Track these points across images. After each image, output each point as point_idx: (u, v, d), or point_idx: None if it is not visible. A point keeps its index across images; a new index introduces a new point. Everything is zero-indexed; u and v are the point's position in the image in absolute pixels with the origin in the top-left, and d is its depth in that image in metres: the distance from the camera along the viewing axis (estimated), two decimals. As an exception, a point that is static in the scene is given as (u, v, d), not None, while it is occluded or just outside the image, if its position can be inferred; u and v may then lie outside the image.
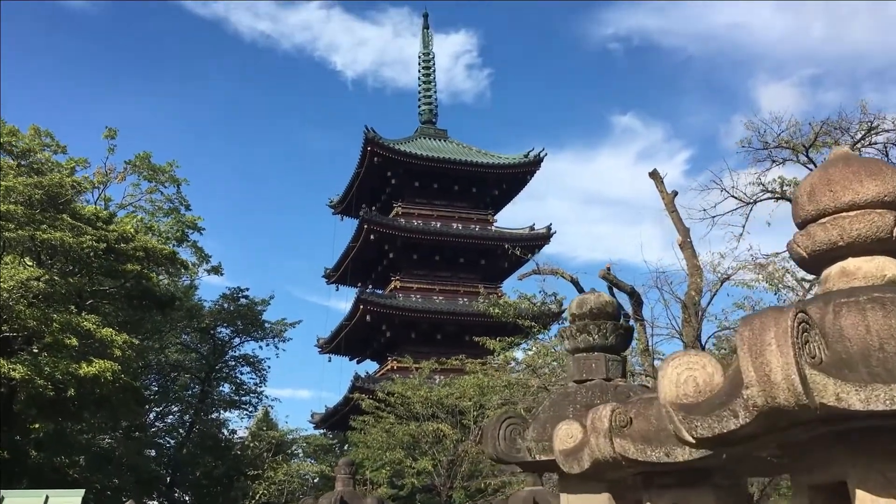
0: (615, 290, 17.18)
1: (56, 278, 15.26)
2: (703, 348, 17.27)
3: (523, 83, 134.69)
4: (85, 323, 15.30)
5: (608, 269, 17.53)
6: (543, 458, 4.53)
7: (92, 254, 16.01)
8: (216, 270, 34.77)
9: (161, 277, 25.45)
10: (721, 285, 17.06)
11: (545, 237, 43.51)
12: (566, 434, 3.79)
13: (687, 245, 17.68)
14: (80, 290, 17.33)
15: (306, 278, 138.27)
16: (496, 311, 21.38)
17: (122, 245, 16.98)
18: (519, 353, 24.58)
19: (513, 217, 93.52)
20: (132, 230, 18.80)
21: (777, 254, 19.16)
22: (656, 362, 19.40)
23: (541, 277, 20.65)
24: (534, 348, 20.41)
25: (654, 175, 18.43)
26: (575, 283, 20.76)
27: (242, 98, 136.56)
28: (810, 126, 20.92)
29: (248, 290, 36.57)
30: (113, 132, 27.31)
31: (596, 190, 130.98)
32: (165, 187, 30.94)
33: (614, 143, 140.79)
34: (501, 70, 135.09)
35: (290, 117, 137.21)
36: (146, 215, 30.82)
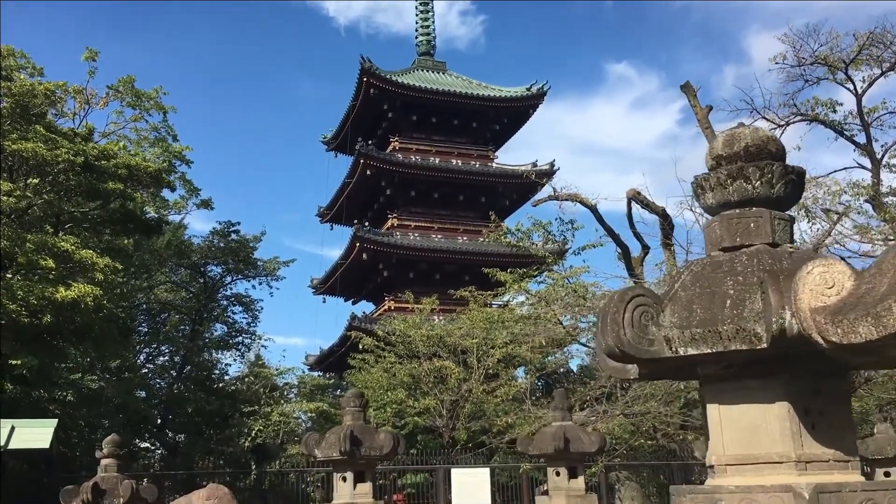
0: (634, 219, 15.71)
1: (29, 195, 13.70)
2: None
3: (518, 30, 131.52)
4: (62, 244, 13.78)
5: (636, 191, 16.09)
6: (692, 351, 3.10)
7: (69, 169, 14.43)
8: (206, 204, 33.05)
9: (147, 209, 23.86)
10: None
11: (548, 174, 41.83)
12: (821, 280, 2.35)
13: (722, 164, 16.21)
14: (58, 212, 15.78)
15: (297, 226, 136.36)
16: (506, 239, 19.92)
17: (103, 162, 15.36)
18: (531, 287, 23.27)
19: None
20: (115, 150, 17.15)
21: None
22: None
23: (554, 209, 19.22)
24: (550, 278, 19.02)
25: (686, 88, 16.86)
26: (594, 210, 19.30)
27: (232, 43, 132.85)
28: (854, 38, 19.32)
29: (239, 224, 34.90)
30: (94, 53, 25.31)
31: (589, 139, 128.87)
32: (151, 115, 29.03)
33: (608, 92, 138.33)
34: (496, 16, 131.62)
35: (282, 63, 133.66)
36: (130, 145, 28.99)
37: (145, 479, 14.86)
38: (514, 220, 24.33)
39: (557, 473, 11.61)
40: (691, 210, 15.70)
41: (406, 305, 35.41)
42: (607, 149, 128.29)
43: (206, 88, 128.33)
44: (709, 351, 3.05)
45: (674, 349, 3.13)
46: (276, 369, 28.07)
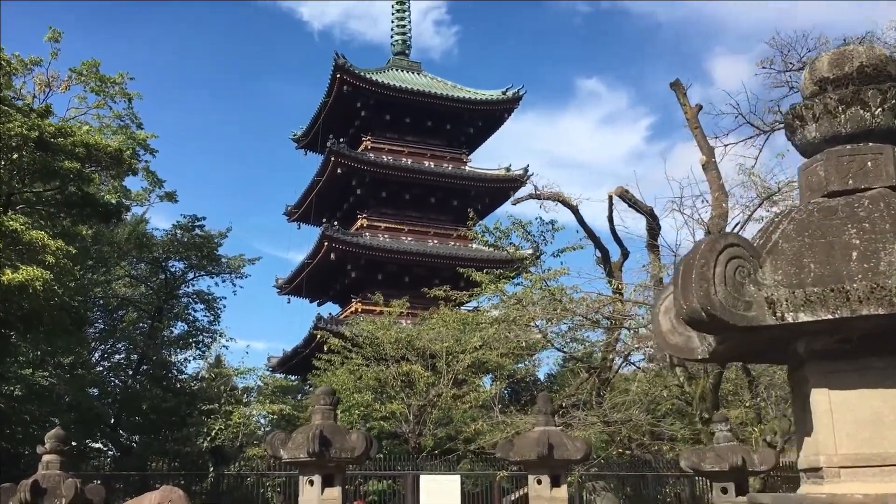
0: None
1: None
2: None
3: (491, 41, 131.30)
4: (11, 223, 12.72)
5: (624, 188, 15.46)
6: (805, 317, 2.36)
7: (22, 146, 13.36)
8: (170, 196, 31.88)
9: (108, 198, 22.73)
10: (758, 207, 15.08)
11: (521, 179, 41.31)
12: None
13: (711, 166, 15.65)
14: (9, 191, 14.65)
15: (264, 227, 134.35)
16: (484, 238, 19.19)
17: (60, 140, 14.30)
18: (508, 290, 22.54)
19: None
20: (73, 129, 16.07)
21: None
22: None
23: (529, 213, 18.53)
24: (528, 279, 18.34)
25: (675, 85, 16.30)
26: (575, 210, 18.69)
27: (204, 41, 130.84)
28: (845, 41, 18.94)
29: (204, 219, 33.71)
30: (57, 34, 24.14)
31: (559, 153, 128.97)
32: (115, 102, 27.87)
33: (578, 107, 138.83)
34: (470, 27, 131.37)
35: (252, 64, 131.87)
36: (92, 133, 27.78)
37: (96, 480, 13.82)
38: (475, 236, 23.68)
39: (539, 482, 10.88)
40: (679, 211, 15.14)
41: (374, 308, 34.53)
42: (576, 163, 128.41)
43: (176, 84, 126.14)
44: (828, 317, 2.32)
45: (779, 314, 2.40)
46: (237, 369, 27.00)
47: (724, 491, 11.70)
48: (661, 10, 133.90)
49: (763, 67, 20.27)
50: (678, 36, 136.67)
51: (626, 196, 15.26)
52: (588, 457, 11.41)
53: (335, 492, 9.40)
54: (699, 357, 3.00)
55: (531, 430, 11.39)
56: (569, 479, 16.79)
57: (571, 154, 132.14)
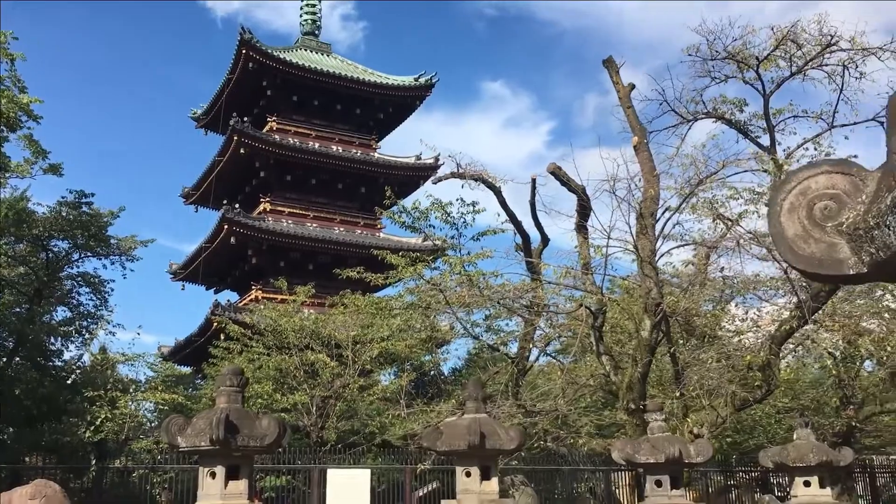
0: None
1: None
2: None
3: (398, 39, 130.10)
4: None
5: (556, 165, 14.67)
6: None
7: None
8: (54, 169, 29.23)
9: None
10: (694, 190, 14.53)
11: (433, 168, 40.40)
12: None
13: (643, 147, 15.06)
14: None
15: (159, 213, 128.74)
16: (401, 218, 18.08)
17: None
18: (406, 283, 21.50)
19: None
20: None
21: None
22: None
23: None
24: (446, 263, 17.36)
25: (608, 62, 15.64)
26: (498, 193, 17.82)
27: (105, 23, 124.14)
28: (772, 31, 18.75)
29: (93, 196, 31.22)
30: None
31: (463, 154, 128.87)
32: (-3, 63, 25.32)
33: (483, 109, 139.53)
34: (377, 24, 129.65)
35: (153, 48, 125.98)
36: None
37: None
38: (390, 219, 22.41)
39: (468, 474, 9.89)
40: (612, 193, 14.47)
41: (276, 295, 32.91)
42: (480, 164, 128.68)
43: (71, 66, 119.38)
44: None
45: None
46: (124, 355, 24.95)
47: (659, 484, 11.04)
48: (565, 19, 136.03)
49: (689, 55, 19.97)
50: (580, 45, 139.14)
51: (558, 173, 14.49)
52: (521, 447, 10.51)
53: (241, 485, 8.15)
54: (850, 272, 2.04)
55: (460, 418, 10.41)
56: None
57: (476, 155, 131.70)
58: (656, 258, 14.25)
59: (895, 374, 17.50)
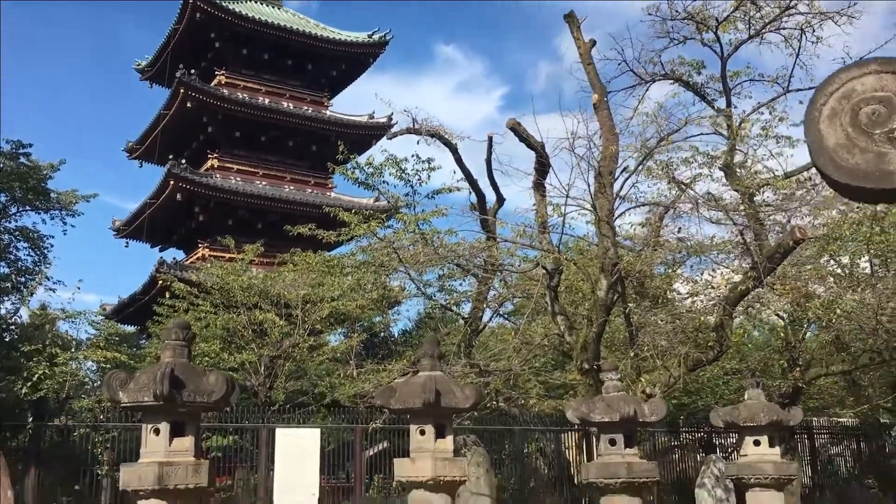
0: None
1: None
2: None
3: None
4: None
5: (516, 121, 14.38)
6: None
7: None
8: (-10, 118, 28.02)
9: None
10: (651, 151, 14.39)
11: (386, 127, 39.75)
12: None
13: (603, 105, 14.83)
14: None
15: (102, 170, 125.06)
16: (354, 174, 17.61)
17: None
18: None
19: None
20: None
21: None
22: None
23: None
24: (400, 221, 17.02)
25: (569, 17, 15.32)
26: (454, 150, 17.50)
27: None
28: (735, -8, 18.60)
29: (30, 146, 29.97)
30: None
31: (417, 116, 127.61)
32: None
33: (436, 72, 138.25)
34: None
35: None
36: None
37: None
38: (342, 175, 21.73)
39: (422, 432, 9.67)
40: (571, 151, 14.25)
41: (223, 254, 32.25)
42: (437, 121, 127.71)
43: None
44: None
45: None
46: (65, 311, 24.14)
47: (613, 443, 11.00)
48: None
49: (649, 14, 19.75)
50: (536, 10, 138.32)
51: (518, 129, 14.21)
52: (477, 405, 10.33)
53: (186, 442, 7.79)
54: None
55: (415, 376, 10.18)
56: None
57: (429, 118, 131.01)
58: (614, 218, 14.13)
59: (840, 338, 17.81)
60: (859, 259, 18.63)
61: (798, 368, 17.12)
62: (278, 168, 41.49)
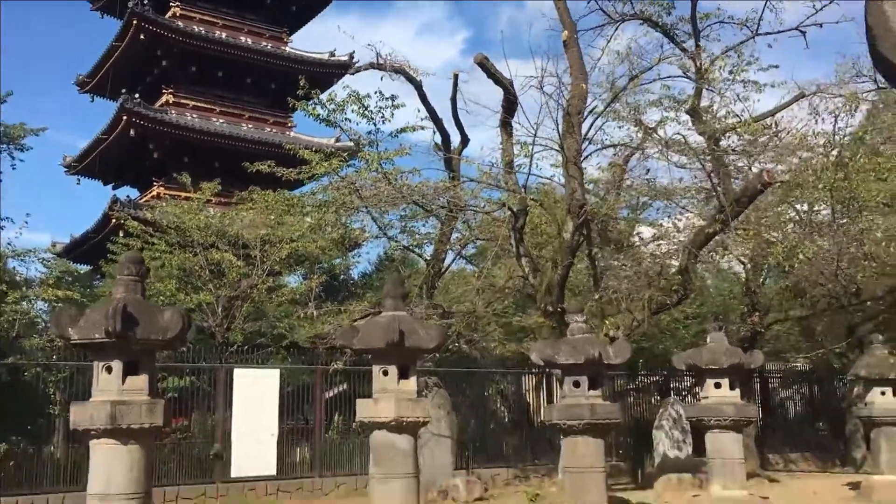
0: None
1: None
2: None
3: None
4: None
5: (484, 56, 13.96)
6: None
7: None
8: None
9: None
10: (619, 94, 14.11)
11: (346, 66, 38.75)
12: None
13: (572, 43, 14.47)
14: None
15: (52, 106, 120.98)
16: (315, 110, 17.04)
17: None
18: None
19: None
20: None
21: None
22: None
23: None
24: (363, 160, 16.57)
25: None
26: (419, 87, 17.04)
27: None
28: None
29: (-26, 77, 28.65)
30: None
31: (383, 44, 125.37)
32: None
33: (398, 14, 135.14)
34: None
35: None
36: None
37: None
38: (304, 111, 20.87)
39: (385, 373, 9.49)
40: (540, 89, 13.91)
41: (179, 192, 31.41)
42: (401, 57, 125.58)
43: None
44: None
45: None
46: (13, 249, 23.34)
47: (577, 385, 10.97)
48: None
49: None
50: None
51: (486, 64, 13.80)
52: (441, 346, 10.16)
53: (140, 381, 7.49)
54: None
55: (378, 316, 9.95)
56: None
57: (394, 52, 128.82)
58: (581, 160, 13.90)
59: (799, 284, 17.98)
60: (819, 207, 18.76)
61: (757, 313, 17.28)
62: (236, 106, 40.38)
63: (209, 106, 39.56)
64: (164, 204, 28.68)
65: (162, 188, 37.19)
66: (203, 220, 24.37)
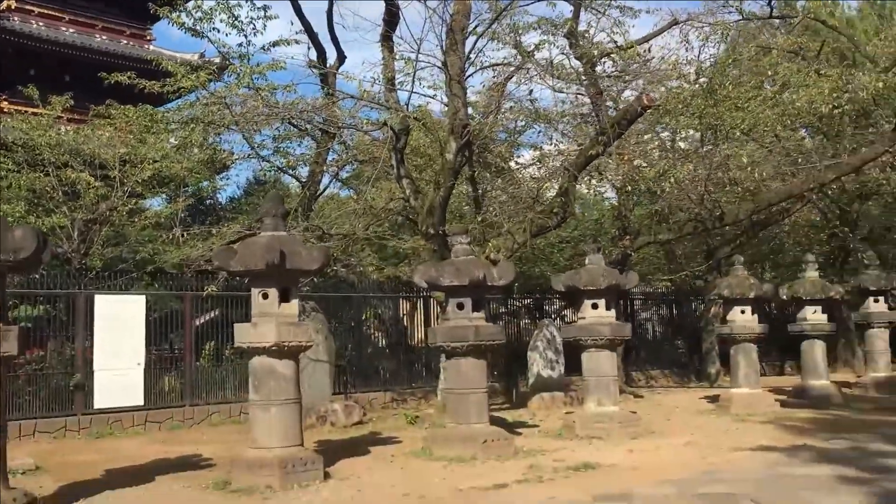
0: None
1: None
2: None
3: None
4: None
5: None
6: None
7: None
8: None
9: None
10: (501, 14, 13.73)
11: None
12: None
13: (455, -45, 13.95)
14: None
15: None
16: (180, 18, 15.73)
17: None
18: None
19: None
20: None
21: None
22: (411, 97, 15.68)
23: None
24: (233, 73, 15.54)
25: None
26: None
27: None
28: None
29: None
30: None
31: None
32: None
33: None
34: None
35: None
36: None
37: None
38: (167, 18, 19.15)
39: (265, 296, 9.04)
40: (423, 2, 13.36)
41: (26, 108, 28.83)
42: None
43: None
44: None
45: None
46: None
47: (461, 307, 10.87)
48: None
49: None
50: None
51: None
52: (324, 267, 9.77)
53: (-10, 307, 6.77)
54: None
55: (258, 236, 9.42)
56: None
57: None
58: (464, 78, 13.57)
59: (666, 209, 18.59)
60: (684, 133, 19.32)
61: (628, 237, 17.76)
62: (87, 14, 37.17)
63: (58, 14, 36.24)
64: (9, 119, 26.33)
65: (6, 102, 34.04)
66: (55, 138, 22.54)
